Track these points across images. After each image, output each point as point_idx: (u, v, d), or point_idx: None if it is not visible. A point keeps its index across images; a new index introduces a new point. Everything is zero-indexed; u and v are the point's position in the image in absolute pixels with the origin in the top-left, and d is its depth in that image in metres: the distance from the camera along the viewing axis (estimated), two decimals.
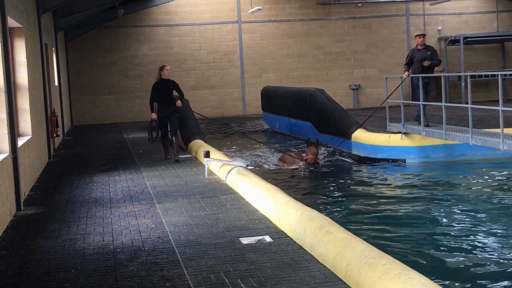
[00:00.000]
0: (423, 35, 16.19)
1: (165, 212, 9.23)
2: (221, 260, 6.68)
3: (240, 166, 11.90)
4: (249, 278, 6.03)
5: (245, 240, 7.39)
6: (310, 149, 16.96)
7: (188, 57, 28.58)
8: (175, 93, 14.58)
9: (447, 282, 7.68)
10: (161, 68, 14.37)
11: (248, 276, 6.11)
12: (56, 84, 21.52)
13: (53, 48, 20.91)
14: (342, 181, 15.03)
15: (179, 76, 27.46)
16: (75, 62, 28.32)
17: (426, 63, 15.77)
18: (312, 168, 16.44)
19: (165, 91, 14.33)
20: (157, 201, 10.09)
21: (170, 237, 7.76)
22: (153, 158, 15.28)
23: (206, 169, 12.41)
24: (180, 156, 14.74)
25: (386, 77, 18.44)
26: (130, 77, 28.86)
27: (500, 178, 14.61)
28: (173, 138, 14.46)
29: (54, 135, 17.39)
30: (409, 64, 16.27)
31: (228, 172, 11.61)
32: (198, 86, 29.16)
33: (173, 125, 14.42)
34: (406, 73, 16.31)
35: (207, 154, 12.44)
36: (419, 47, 16.13)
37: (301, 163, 16.81)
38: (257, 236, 7.57)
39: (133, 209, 9.54)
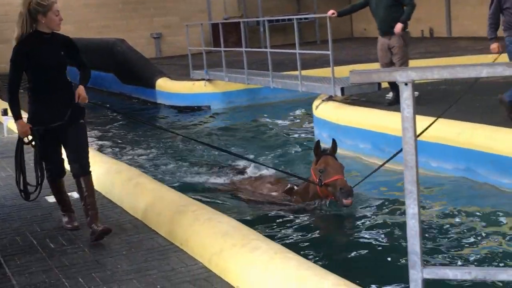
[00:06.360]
0: None
1: None
2: (27, 221, 6.45)
3: None
4: (58, 237, 5.88)
5: (51, 199, 7.14)
6: (328, 163, 7.66)
7: None
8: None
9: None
10: (43, 9, 5.73)
11: (58, 235, 5.95)
12: None
13: None
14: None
15: None
16: None
17: None
18: (348, 199, 7.33)
19: (49, 65, 6.00)
20: None
21: None
22: None
23: (5, 127, 11.82)
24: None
25: (187, 25, 18.48)
26: None
27: (298, 119, 15.23)
28: (81, 178, 5.80)
29: None
30: (497, 15, 8.49)
31: None
32: None
33: (76, 148, 5.82)
34: (496, 44, 8.50)
35: (4, 112, 11.82)
36: None
37: (319, 199, 7.78)
38: None
39: None
